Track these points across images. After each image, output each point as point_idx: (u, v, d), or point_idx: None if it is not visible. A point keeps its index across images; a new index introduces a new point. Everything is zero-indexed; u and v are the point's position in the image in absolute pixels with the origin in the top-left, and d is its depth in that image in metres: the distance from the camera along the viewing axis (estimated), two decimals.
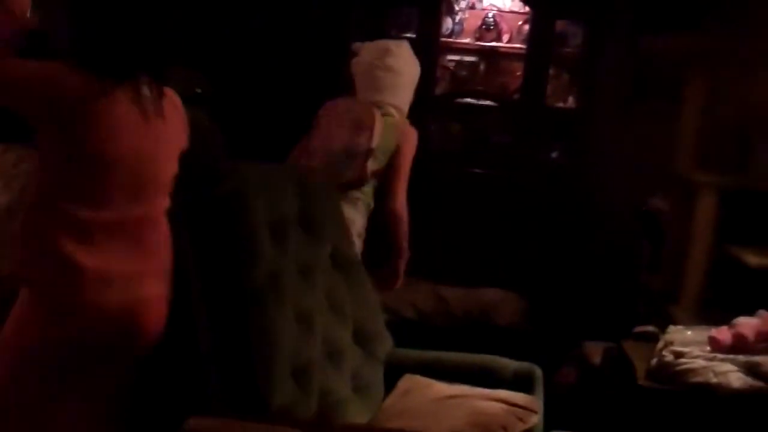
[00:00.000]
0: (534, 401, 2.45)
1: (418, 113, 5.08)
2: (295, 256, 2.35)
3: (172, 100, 2.16)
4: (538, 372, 2.58)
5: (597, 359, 3.48)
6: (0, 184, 3.00)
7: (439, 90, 5.20)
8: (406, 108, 3.31)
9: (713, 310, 3.37)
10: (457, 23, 5.28)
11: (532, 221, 4.74)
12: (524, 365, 2.60)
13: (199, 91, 3.96)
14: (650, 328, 3.18)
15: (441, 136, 5.21)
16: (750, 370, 2.63)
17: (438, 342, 3.89)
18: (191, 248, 2.14)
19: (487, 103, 5.26)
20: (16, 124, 3.91)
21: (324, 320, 2.37)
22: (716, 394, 2.59)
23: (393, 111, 3.21)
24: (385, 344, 2.61)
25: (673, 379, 2.69)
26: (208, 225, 2.16)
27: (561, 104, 5.14)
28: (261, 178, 2.38)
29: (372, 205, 3.17)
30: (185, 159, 2.20)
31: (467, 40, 5.27)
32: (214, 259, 2.14)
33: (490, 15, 5.22)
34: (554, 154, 5.09)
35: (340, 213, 2.67)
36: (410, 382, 2.52)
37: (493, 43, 5.21)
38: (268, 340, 2.08)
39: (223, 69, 4.65)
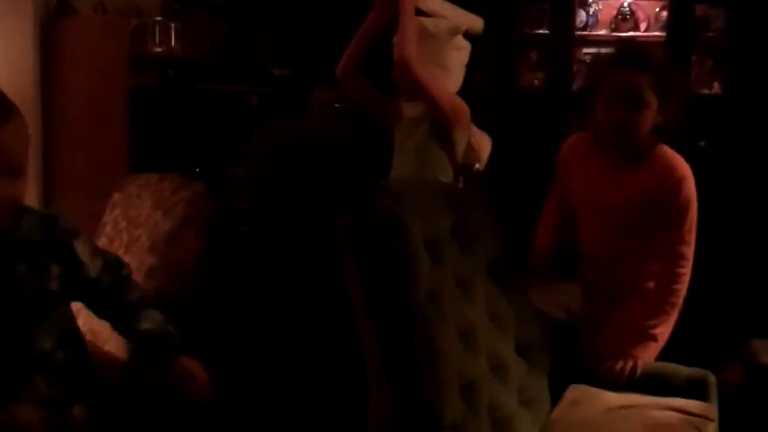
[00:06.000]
0: (709, 408, 2.35)
1: (557, 109, 5.04)
2: (453, 272, 2.32)
3: None
4: (712, 378, 2.47)
5: (765, 358, 3.33)
6: (160, 212, 3.11)
7: (576, 85, 5.09)
8: None
9: None
10: (591, 15, 5.18)
11: None
12: (697, 371, 2.49)
13: (338, 105, 4.01)
14: None
15: None
16: None
17: None
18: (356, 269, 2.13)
19: None
20: (172, 153, 4.05)
21: (486, 334, 2.34)
22: None
23: None
24: (549, 354, 2.54)
25: None
26: (365, 245, 2.12)
27: (706, 91, 4.95)
28: (413, 195, 2.36)
29: None
30: (336, 179, 2.22)
31: (603, 32, 5.16)
32: (375, 279, 2.11)
33: (625, 4, 5.10)
34: (702, 143, 4.90)
35: (495, 223, 2.63)
36: (577, 392, 2.46)
37: (631, 33, 5.07)
38: (435, 358, 2.06)
39: None
